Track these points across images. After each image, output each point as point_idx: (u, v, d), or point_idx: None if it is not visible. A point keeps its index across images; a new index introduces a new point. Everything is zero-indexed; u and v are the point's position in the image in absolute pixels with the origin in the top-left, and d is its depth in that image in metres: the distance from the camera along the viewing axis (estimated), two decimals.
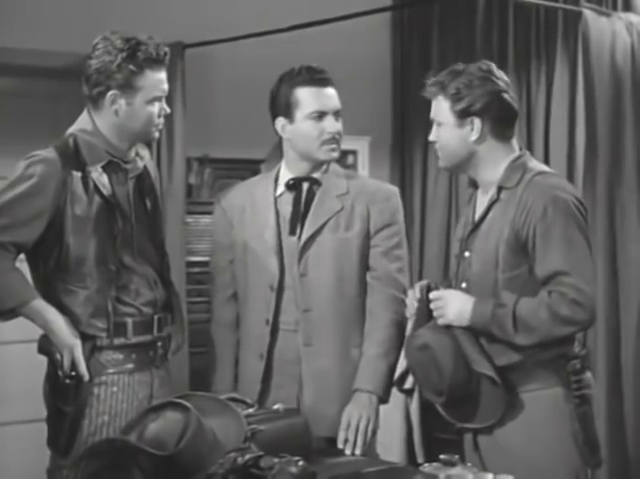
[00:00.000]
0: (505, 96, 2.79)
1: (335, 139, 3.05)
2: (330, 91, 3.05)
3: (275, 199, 3.10)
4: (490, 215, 2.79)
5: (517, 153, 2.82)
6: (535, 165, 2.84)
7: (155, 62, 2.79)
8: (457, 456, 2.37)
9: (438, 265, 5.13)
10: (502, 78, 2.81)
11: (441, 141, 2.82)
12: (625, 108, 4.48)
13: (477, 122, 2.76)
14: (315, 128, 3.02)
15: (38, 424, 2.97)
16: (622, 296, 4.31)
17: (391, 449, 4.17)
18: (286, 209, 3.08)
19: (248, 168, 4.76)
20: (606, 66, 4.42)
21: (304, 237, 3.03)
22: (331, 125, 3.03)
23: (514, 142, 2.85)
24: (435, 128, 2.84)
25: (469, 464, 2.42)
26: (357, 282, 3.06)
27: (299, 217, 3.05)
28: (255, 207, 3.10)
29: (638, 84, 4.51)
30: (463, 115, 2.76)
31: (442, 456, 2.36)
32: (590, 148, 4.48)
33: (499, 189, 2.78)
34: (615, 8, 5.01)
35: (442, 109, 2.80)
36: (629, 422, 4.44)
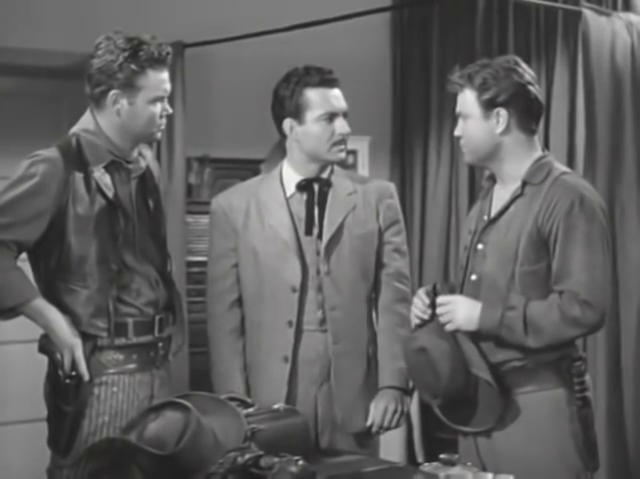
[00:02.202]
0: (531, 88, 2.80)
1: (344, 140, 3.07)
2: (338, 92, 3.06)
3: (287, 199, 3.09)
4: (512, 209, 2.79)
5: (541, 153, 2.84)
6: (560, 165, 2.86)
7: (156, 62, 2.78)
8: (456, 456, 2.37)
9: (438, 265, 5.13)
10: (529, 71, 2.82)
11: (466, 134, 2.82)
12: (625, 108, 4.48)
13: (503, 113, 2.77)
14: (326, 129, 3.03)
15: (38, 424, 2.97)
16: (622, 296, 4.31)
17: (391, 449, 4.17)
18: (299, 209, 3.08)
19: (248, 168, 4.75)
20: (606, 66, 4.42)
21: (326, 236, 3.05)
22: (341, 126, 3.05)
23: (537, 140, 2.86)
24: (460, 122, 2.84)
25: (468, 463, 2.42)
26: (372, 278, 3.13)
27: (314, 217, 3.06)
28: (262, 209, 3.08)
29: (638, 84, 4.51)
30: (489, 105, 2.77)
31: (442, 456, 2.37)
32: (590, 147, 4.48)
33: (524, 184, 2.78)
34: (615, 8, 5.01)
35: (468, 101, 2.80)
36: (629, 423, 4.43)
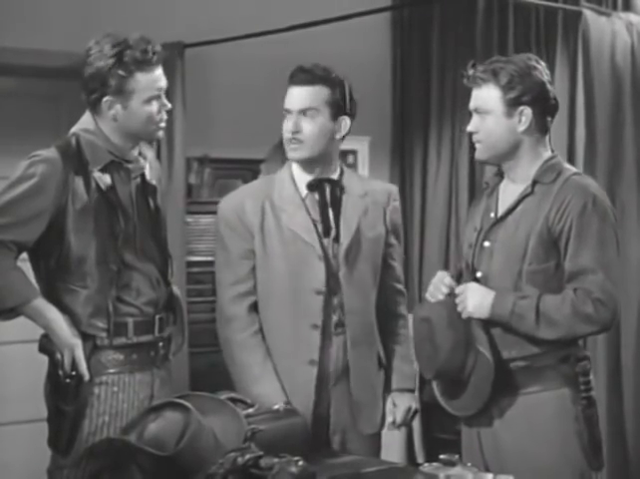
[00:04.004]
0: (550, 87, 2.81)
1: (295, 139, 3.00)
2: (300, 89, 3.00)
3: (303, 201, 3.05)
4: (521, 207, 2.79)
5: (551, 153, 2.84)
6: (569, 166, 2.88)
7: (143, 63, 2.76)
8: (457, 456, 2.37)
9: (438, 265, 5.12)
10: (546, 71, 2.82)
11: (485, 130, 2.80)
12: (625, 108, 4.50)
13: (527, 112, 2.76)
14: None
15: (38, 424, 2.97)
16: (622, 296, 4.32)
17: (391, 449, 4.17)
18: (313, 210, 3.05)
19: (248, 168, 4.76)
20: (606, 66, 4.44)
21: (345, 239, 3.03)
22: (287, 124, 3.01)
23: (548, 139, 2.86)
24: (476, 118, 2.81)
25: (468, 464, 2.43)
26: (379, 281, 3.13)
27: (330, 218, 3.05)
28: (278, 211, 3.03)
29: (638, 84, 4.52)
30: (514, 104, 2.75)
31: (442, 456, 2.37)
32: (590, 148, 4.49)
33: (534, 183, 2.78)
34: (615, 8, 5.02)
35: (490, 97, 2.77)
36: (629, 423, 4.44)
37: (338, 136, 3.05)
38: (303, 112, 2.99)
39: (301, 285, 3.00)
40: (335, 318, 3.03)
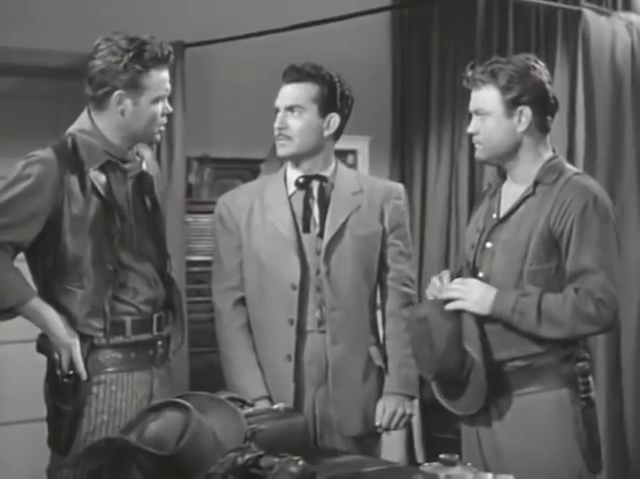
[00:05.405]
0: (549, 87, 2.81)
1: (282, 135, 3.04)
2: (288, 87, 3.04)
3: (289, 198, 3.08)
4: (523, 208, 2.79)
5: (552, 153, 2.84)
6: (570, 166, 2.88)
7: (159, 61, 2.79)
8: (457, 456, 2.37)
9: (438, 265, 5.12)
10: (545, 70, 2.83)
11: (485, 132, 2.80)
12: (625, 107, 4.50)
13: (527, 112, 2.76)
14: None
15: (38, 424, 2.97)
16: (622, 296, 4.32)
17: (391, 449, 4.17)
18: (300, 207, 3.07)
19: (248, 168, 4.76)
20: (606, 66, 4.44)
21: (327, 236, 3.03)
22: (276, 122, 3.04)
23: (549, 139, 2.86)
24: (476, 119, 2.82)
25: (468, 464, 2.42)
26: (374, 281, 3.12)
27: (311, 214, 3.05)
28: (266, 207, 3.08)
29: (638, 84, 4.52)
30: (513, 104, 2.76)
31: (442, 456, 2.37)
32: (590, 148, 4.49)
33: (536, 183, 2.78)
34: (615, 8, 5.02)
35: (490, 98, 2.78)
36: (629, 424, 4.44)
37: (327, 133, 3.06)
38: (290, 109, 3.03)
39: (279, 280, 3.03)
40: (317, 315, 3.03)
